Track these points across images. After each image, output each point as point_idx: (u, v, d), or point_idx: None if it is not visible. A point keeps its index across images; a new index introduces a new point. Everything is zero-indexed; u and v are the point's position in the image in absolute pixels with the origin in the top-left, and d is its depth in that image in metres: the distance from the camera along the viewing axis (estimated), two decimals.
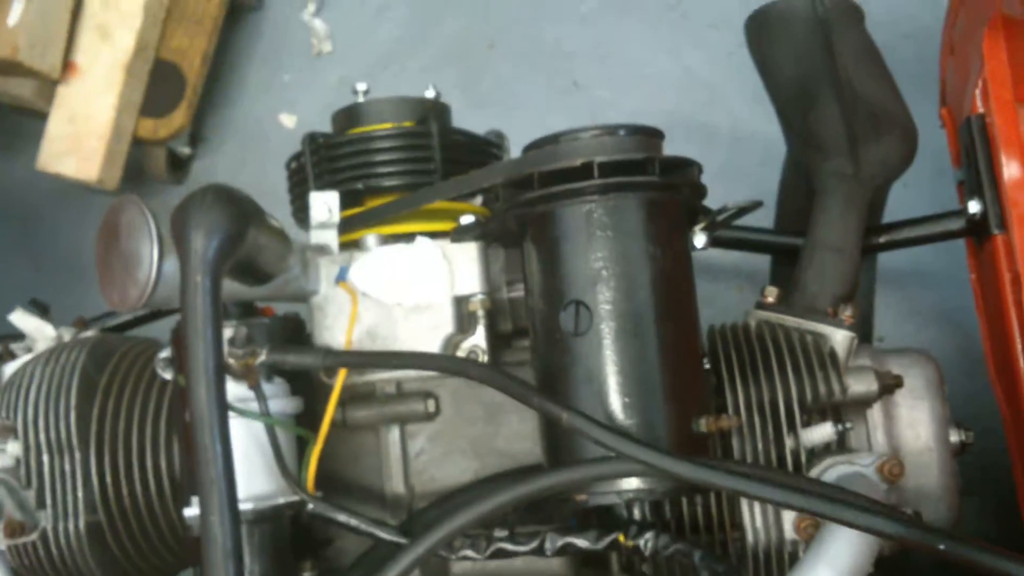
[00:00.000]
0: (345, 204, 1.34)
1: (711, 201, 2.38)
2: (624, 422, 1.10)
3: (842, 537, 1.08)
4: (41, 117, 2.12)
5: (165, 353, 1.27)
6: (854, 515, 0.97)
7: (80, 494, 1.33)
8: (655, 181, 1.13)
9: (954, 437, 1.36)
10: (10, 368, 1.46)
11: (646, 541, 1.09)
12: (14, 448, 1.37)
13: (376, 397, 1.29)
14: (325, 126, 1.45)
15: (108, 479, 1.33)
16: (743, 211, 1.24)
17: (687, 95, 2.30)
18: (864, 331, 1.70)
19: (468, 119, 1.54)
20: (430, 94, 1.43)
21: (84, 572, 1.34)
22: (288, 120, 2.34)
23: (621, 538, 1.09)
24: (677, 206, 1.17)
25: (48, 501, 1.33)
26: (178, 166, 2.31)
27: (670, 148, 2.28)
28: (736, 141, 2.26)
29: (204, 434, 0.97)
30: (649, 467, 1.01)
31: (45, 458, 1.34)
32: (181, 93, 2.15)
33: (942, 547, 0.96)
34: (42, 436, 1.34)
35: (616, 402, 1.11)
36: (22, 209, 2.33)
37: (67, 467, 1.33)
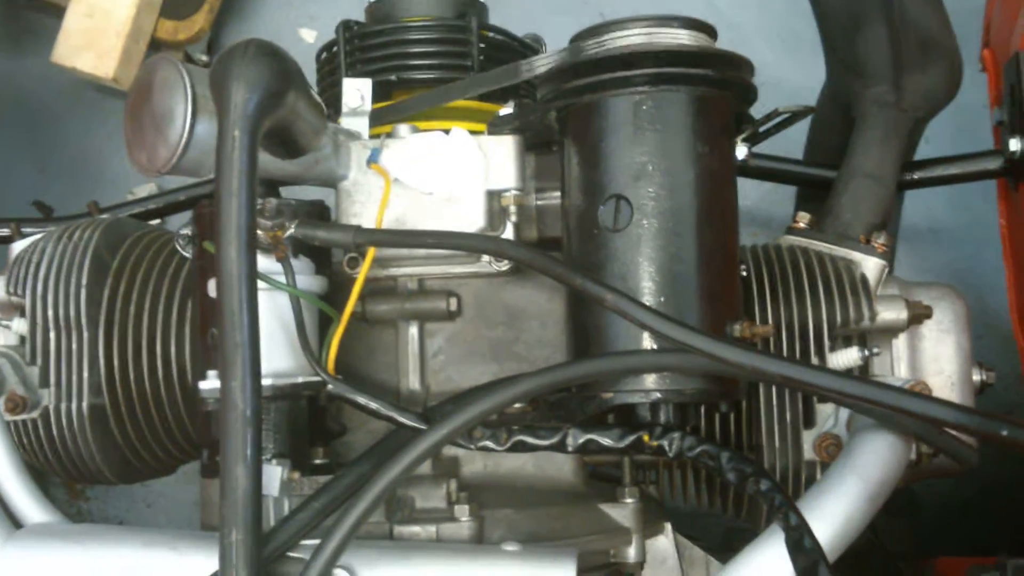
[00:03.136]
0: (376, 98, 1.30)
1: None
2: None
3: (872, 448, 1.06)
4: (57, 13, 2.08)
5: (186, 230, 1.24)
6: (912, 402, 0.94)
7: (85, 375, 1.29)
8: (708, 75, 1.10)
9: (976, 376, 1.34)
10: (19, 246, 1.43)
11: (671, 441, 1.07)
12: (20, 325, 1.34)
13: (397, 292, 1.26)
14: None
15: (115, 362, 1.30)
16: (795, 117, 1.20)
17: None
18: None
19: None
20: None
21: (84, 455, 1.31)
22: (308, 35, 2.30)
23: (646, 438, 1.07)
24: (727, 106, 1.14)
25: (52, 380, 1.30)
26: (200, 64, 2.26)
27: None
28: (760, 87, 2.22)
29: (232, 297, 0.94)
30: (693, 351, 0.98)
31: (52, 336, 1.31)
32: None
33: (1005, 432, 0.93)
34: (50, 313, 1.30)
35: (652, 300, 1.08)
36: (31, 109, 2.28)
37: (74, 346, 1.30)
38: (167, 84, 1.04)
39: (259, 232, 1.09)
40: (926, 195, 1.65)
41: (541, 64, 1.18)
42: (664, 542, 1.33)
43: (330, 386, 1.09)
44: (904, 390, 0.97)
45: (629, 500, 1.25)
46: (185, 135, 1.02)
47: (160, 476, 1.48)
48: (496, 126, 1.21)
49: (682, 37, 1.12)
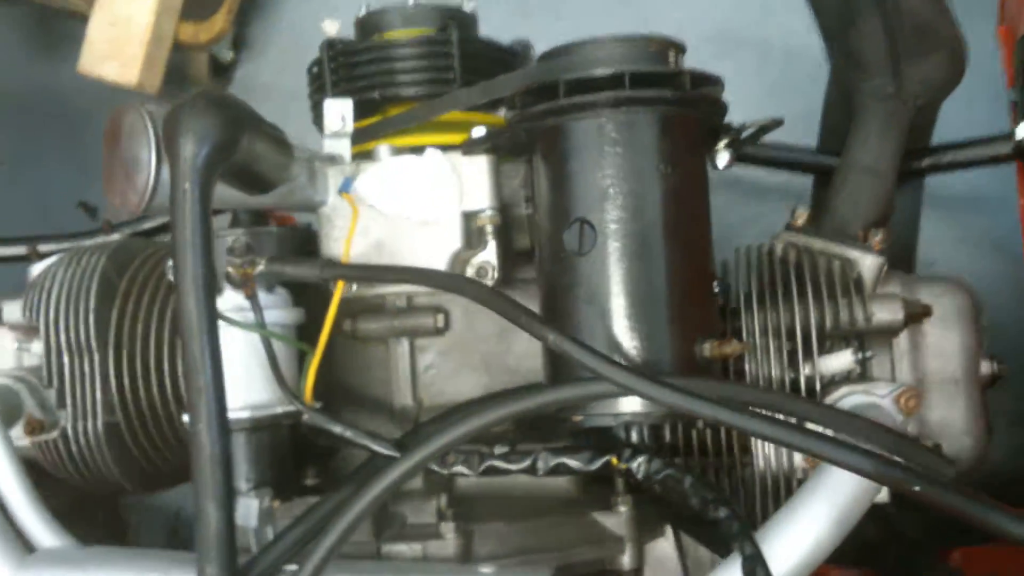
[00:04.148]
0: (364, 113, 1.31)
1: (777, 113, 2.30)
2: (626, 344, 1.07)
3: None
4: (84, 20, 2.12)
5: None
6: (835, 451, 0.93)
7: (98, 395, 1.34)
8: (670, 96, 1.08)
9: (985, 369, 1.31)
10: (37, 268, 1.48)
11: (639, 465, 1.07)
12: (37, 348, 1.40)
13: (386, 309, 1.28)
14: None
15: (126, 381, 1.35)
16: (764, 130, 1.18)
17: (740, 6, 2.21)
18: (906, 258, 1.64)
19: (513, 29, 1.49)
20: (468, 5, 1.39)
21: (103, 470, 1.37)
22: (331, 26, 2.28)
23: (614, 461, 1.07)
24: (694, 123, 1.12)
25: (68, 401, 1.36)
26: (220, 71, 2.30)
27: (720, 63, 2.20)
28: (789, 56, 2.18)
29: (193, 343, 0.97)
30: (626, 389, 0.98)
31: (65, 359, 1.36)
32: None
33: (917, 488, 0.91)
34: (63, 337, 1.35)
35: (618, 323, 1.08)
36: (70, 112, 2.34)
37: (86, 368, 1.35)
38: (133, 132, 1.06)
39: (230, 269, 1.11)
40: None
41: (508, 84, 1.17)
42: (665, 545, 1.33)
43: (305, 416, 1.11)
44: (827, 436, 0.95)
45: (622, 508, 1.25)
46: (151, 182, 1.04)
47: (185, 482, 1.53)
48: (469, 146, 1.21)
49: (644, 58, 1.10)
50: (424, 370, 1.29)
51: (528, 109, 1.13)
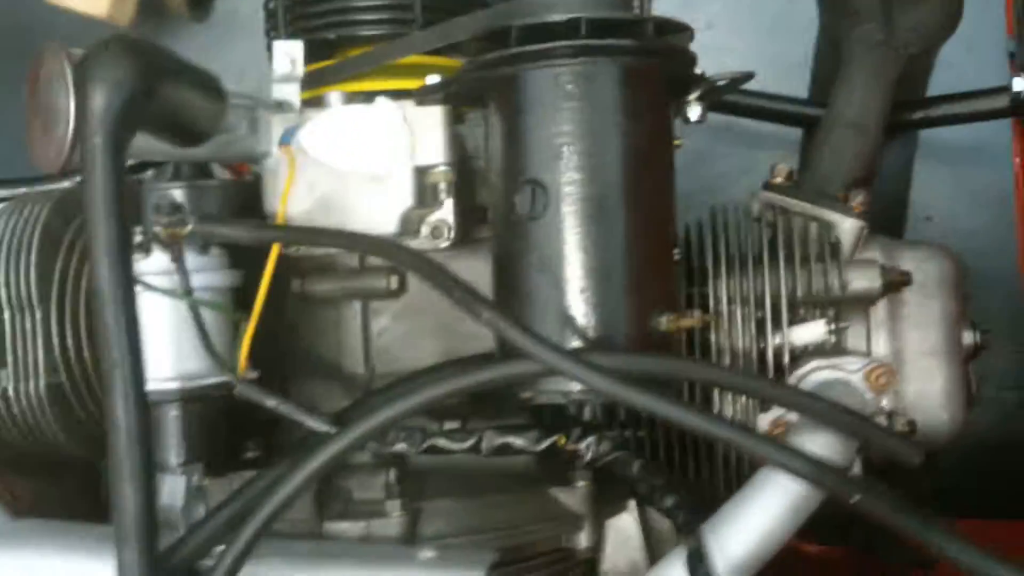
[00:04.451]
0: (321, 55, 1.23)
1: (774, 59, 2.20)
2: (578, 317, 1.01)
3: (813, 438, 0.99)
4: None
5: None
6: (772, 451, 0.87)
7: (40, 354, 1.28)
8: (632, 46, 1.00)
9: (967, 339, 1.24)
10: None
11: (587, 445, 1.01)
12: None
13: (337, 270, 1.21)
14: None
15: (69, 340, 1.28)
16: (736, 82, 1.10)
17: None
18: (898, 215, 1.57)
19: None
20: None
21: (48, 433, 1.31)
22: None
23: (561, 441, 1.02)
24: (659, 76, 1.04)
25: (9, 360, 1.29)
26: (200, 3, 2.21)
27: (715, 2, 2.10)
28: None
29: (106, 312, 0.90)
30: (565, 373, 0.92)
31: (6, 315, 1.30)
32: None
33: (855, 499, 0.86)
34: (2, 292, 1.29)
35: (571, 294, 1.01)
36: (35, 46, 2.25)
37: (27, 325, 1.29)
38: (52, 78, 0.99)
39: (157, 230, 1.05)
40: None
41: (460, 28, 1.09)
42: (627, 520, 1.28)
43: (236, 389, 1.05)
44: (763, 437, 0.89)
45: (581, 483, 1.19)
46: (71, 133, 0.97)
47: None
48: (423, 95, 1.13)
49: (607, 3, 1.01)
50: (377, 335, 1.22)
51: (480, 57, 1.04)
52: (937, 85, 1.50)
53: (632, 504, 1.28)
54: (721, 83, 1.09)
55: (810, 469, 0.88)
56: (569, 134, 1.00)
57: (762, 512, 0.93)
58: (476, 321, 0.95)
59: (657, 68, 1.03)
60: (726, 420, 0.92)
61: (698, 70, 1.09)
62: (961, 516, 1.73)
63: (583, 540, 1.19)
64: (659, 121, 1.05)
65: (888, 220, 1.54)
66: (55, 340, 1.29)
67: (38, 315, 1.29)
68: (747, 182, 1.41)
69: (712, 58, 2.10)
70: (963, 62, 1.77)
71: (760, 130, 2.02)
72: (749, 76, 1.10)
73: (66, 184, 1.46)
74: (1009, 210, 2.02)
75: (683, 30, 1.04)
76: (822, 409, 1.00)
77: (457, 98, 1.13)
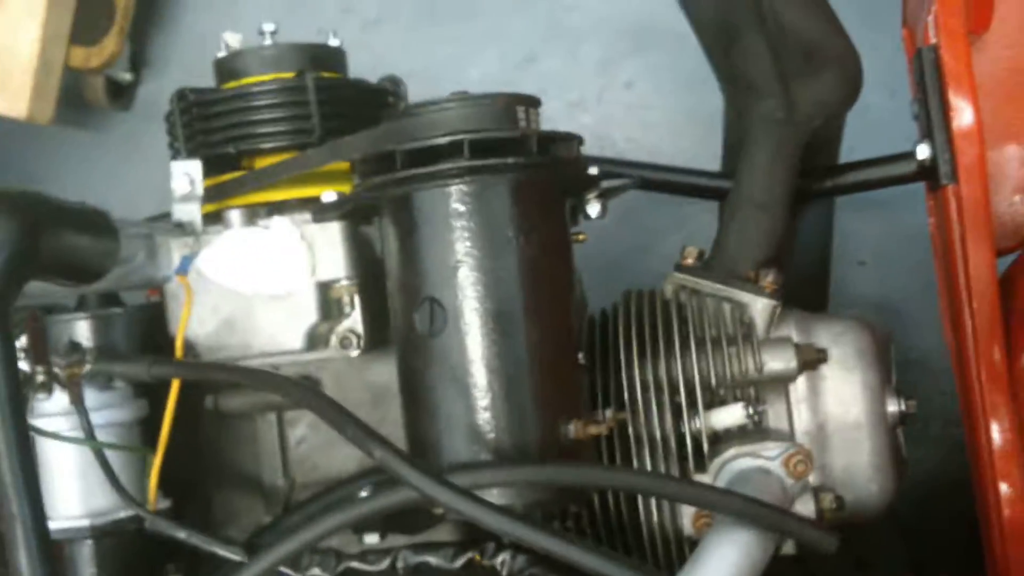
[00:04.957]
0: (224, 167, 1.23)
1: (693, 113, 2.19)
2: (486, 430, 1.00)
3: (722, 551, 0.98)
4: None
5: (21, 343, 1.19)
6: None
7: None
8: (517, 162, 1.00)
9: (892, 407, 1.24)
10: None
11: (502, 562, 1.00)
12: None
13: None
14: None
15: None
16: (623, 189, 1.11)
17: None
18: (819, 280, 1.57)
19: (421, 32, 1.34)
20: (333, 42, 1.30)
21: None
22: (233, 39, 2.19)
23: (477, 558, 1.01)
24: (549, 186, 1.04)
25: None
26: (120, 93, 2.19)
27: (638, 56, 2.10)
28: None
29: (3, 467, 0.89)
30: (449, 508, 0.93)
31: None
32: (111, 18, 2.02)
33: None
34: None
35: (478, 409, 1.00)
36: None
37: None
38: None
39: (57, 371, 1.04)
40: None
41: (352, 148, 1.08)
42: None
43: (147, 523, 1.04)
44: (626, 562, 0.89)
45: None
46: None
47: None
48: (319, 214, 1.13)
49: (493, 119, 1.01)
50: (295, 444, 1.22)
51: (370, 179, 1.04)
52: (860, 132, 1.51)
53: None
54: (615, 184, 1.09)
55: None
56: (463, 251, 1.00)
57: None
58: (369, 457, 0.94)
59: (546, 179, 1.03)
60: (611, 555, 0.91)
61: (592, 170, 1.09)
62: (917, 555, 1.73)
63: None
64: (553, 228, 1.04)
65: (812, 281, 1.54)
66: None
67: None
68: (679, 238, 1.41)
69: (634, 115, 2.12)
70: (886, 107, 1.79)
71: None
72: (635, 184, 1.10)
73: None
74: None
75: (569, 140, 1.04)
76: (735, 505, 1.00)
77: (354, 214, 1.12)
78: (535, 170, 1.01)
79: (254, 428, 1.21)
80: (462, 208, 1.00)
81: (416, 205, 1.02)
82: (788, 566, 1.15)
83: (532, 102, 1.05)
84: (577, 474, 0.98)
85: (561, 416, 1.02)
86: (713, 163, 1.62)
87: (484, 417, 1.00)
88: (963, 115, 1.20)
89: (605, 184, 1.07)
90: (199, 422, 1.21)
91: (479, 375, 1.00)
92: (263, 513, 1.21)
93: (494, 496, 0.99)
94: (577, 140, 1.06)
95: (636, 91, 2.08)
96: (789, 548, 1.14)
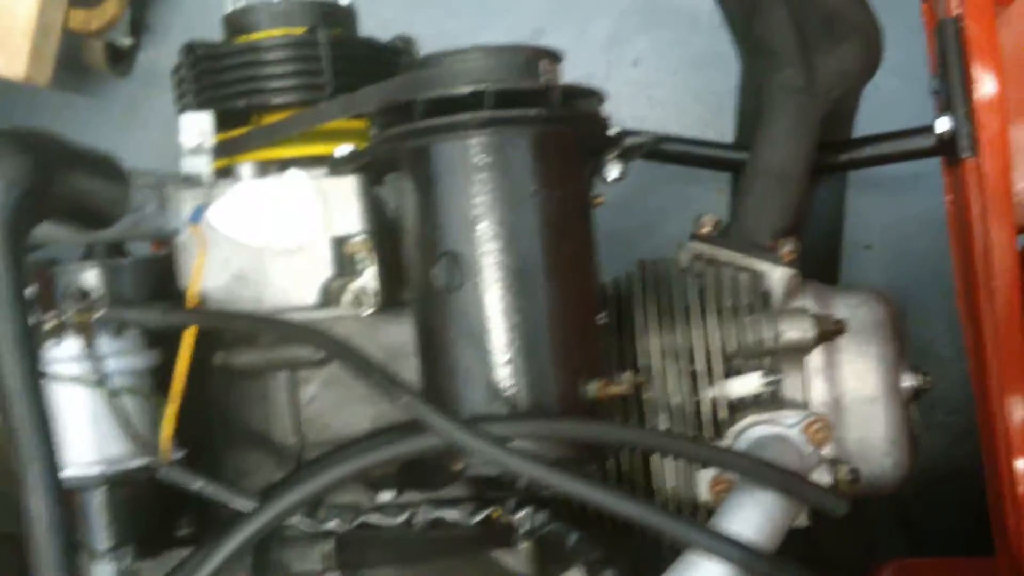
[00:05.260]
0: (233, 122, 1.20)
1: (701, 93, 2.18)
2: (505, 388, 0.98)
3: (743, 513, 0.97)
4: None
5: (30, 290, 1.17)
6: (695, 534, 0.85)
7: None
8: (538, 115, 0.98)
9: (907, 382, 1.23)
10: None
11: (522, 518, 0.99)
12: None
13: (261, 340, 1.17)
14: None
15: None
16: (649, 144, 1.09)
17: None
18: (830, 258, 1.56)
19: (429, 5, 1.32)
20: (343, 1, 1.28)
21: None
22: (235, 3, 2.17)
23: (496, 514, 0.99)
24: (570, 141, 1.02)
25: None
26: (119, 58, 2.16)
27: (646, 33, 2.08)
28: (717, 28, 2.06)
29: (14, 409, 0.87)
30: (484, 455, 0.91)
31: None
32: None
33: None
34: None
35: (497, 365, 0.99)
36: None
37: None
38: None
39: (68, 316, 1.01)
40: None
41: (369, 99, 1.06)
42: None
43: (160, 471, 1.02)
44: (681, 518, 0.88)
45: (523, 545, 1.16)
46: None
47: None
48: (335, 166, 1.10)
49: (515, 71, 0.99)
50: (306, 403, 1.19)
51: (388, 130, 1.02)
52: (871, 117, 1.50)
53: (577, 567, 1.26)
54: (635, 143, 1.07)
55: (739, 555, 0.86)
56: (483, 205, 0.98)
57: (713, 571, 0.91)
58: (393, 405, 0.92)
59: (568, 134, 1.01)
60: (644, 502, 0.89)
61: (612, 130, 1.07)
62: (914, 544, 1.72)
63: None
64: (574, 186, 1.03)
65: (823, 258, 1.53)
66: None
67: None
68: (685, 217, 1.39)
69: (640, 93, 2.11)
70: (899, 92, 1.78)
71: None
72: (660, 140, 1.08)
73: None
74: (945, 235, 2.03)
75: (591, 95, 1.02)
76: (748, 466, 0.99)
77: (370, 167, 1.10)
78: (558, 123, 0.99)
79: (265, 386, 1.18)
80: (483, 160, 0.98)
81: (435, 157, 1.00)
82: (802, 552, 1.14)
83: (554, 56, 1.03)
84: (599, 430, 0.96)
85: (581, 375, 1.00)
86: None
87: (503, 373, 0.98)
88: (985, 86, 1.18)
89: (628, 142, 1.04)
90: (208, 379, 1.19)
91: (498, 331, 0.98)
92: (273, 472, 1.18)
93: None
94: (599, 96, 1.04)
95: (643, 69, 2.06)
96: (802, 520, 1.13)
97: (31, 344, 0.88)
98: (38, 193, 0.89)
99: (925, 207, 2.00)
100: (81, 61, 2.12)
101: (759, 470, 0.97)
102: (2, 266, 0.87)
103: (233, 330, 1.10)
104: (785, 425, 1.11)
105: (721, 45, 2.03)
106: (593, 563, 0.95)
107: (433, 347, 1.03)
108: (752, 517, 0.96)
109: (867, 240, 2.00)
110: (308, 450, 1.18)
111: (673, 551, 0.99)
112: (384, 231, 1.14)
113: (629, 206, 1.99)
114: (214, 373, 1.17)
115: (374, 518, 1.05)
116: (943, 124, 1.25)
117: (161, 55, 2.18)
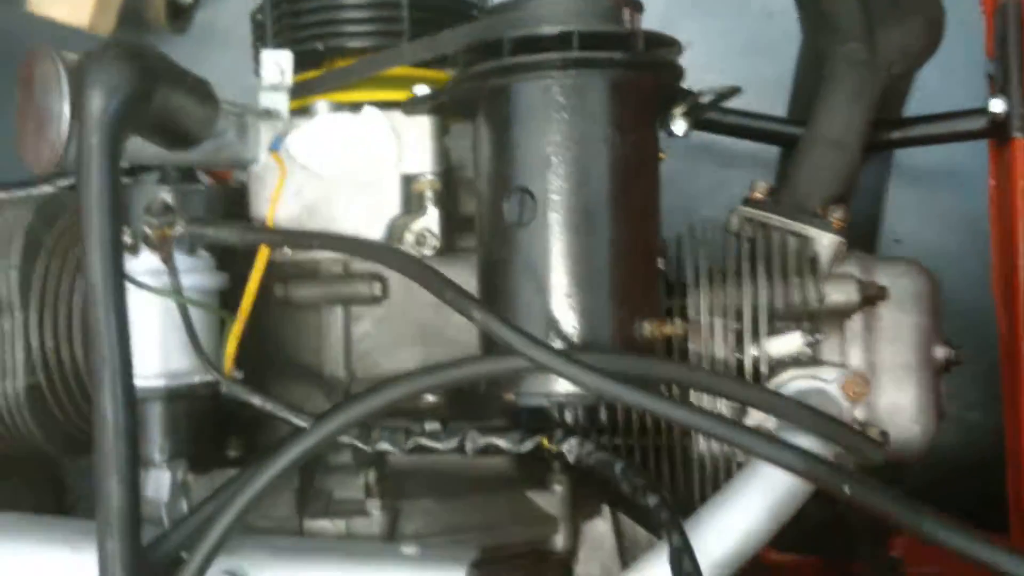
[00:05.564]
0: (308, 65, 1.25)
1: (749, 79, 2.22)
2: (563, 322, 1.02)
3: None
4: None
5: None
6: (762, 446, 0.89)
7: (19, 355, 1.28)
8: (622, 59, 1.02)
9: (940, 354, 1.26)
10: None
11: (570, 447, 1.03)
12: None
13: (320, 275, 1.22)
14: None
15: (48, 341, 1.29)
16: (722, 97, 1.12)
17: None
18: (869, 233, 1.59)
19: None
20: None
21: (24, 433, 1.31)
22: None
23: (545, 442, 1.03)
24: (648, 89, 1.06)
25: None
26: (179, 14, 2.21)
27: (696, 19, 2.12)
28: (767, 16, 2.10)
29: (97, 309, 0.91)
30: (548, 370, 0.95)
31: None
32: None
33: (846, 488, 0.87)
34: None
35: (556, 300, 1.03)
36: (21, 55, 2.24)
37: (7, 326, 1.29)
38: (46, 80, 0.99)
39: (147, 230, 1.06)
40: None
41: (451, 40, 1.10)
42: (602, 525, 1.29)
43: (223, 387, 1.06)
44: (753, 430, 0.91)
45: (558, 487, 1.20)
46: (63, 134, 0.97)
47: None
48: (411, 105, 1.15)
49: (598, 15, 1.03)
50: (359, 339, 1.23)
51: (471, 68, 1.06)
52: (910, 109, 1.53)
53: (606, 510, 1.30)
54: (707, 98, 1.11)
55: (801, 462, 0.90)
56: (558, 144, 1.02)
57: (744, 511, 0.95)
58: (470, 320, 0.96)
59: (646, 81, 1.05)
60: (716, 415, 0.93)
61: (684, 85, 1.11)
62: None
63: (559, 543, 1.20)
64: (646, 133, 1.07)
65: (861, 238, 1.56)
66: (34, 341, 1.29)
67: (18, 317, 1.29)
68: (720, 200, 1.43)
69: (689, 78, 2.14)
70: (936, 87, 1.81)
71: (734, 150, 2.04)
72: (735, 91, 1.12)
73: (47, 189, 1.45)
74: (977, 235, 2.06)
75: (672, 44, 1.06)
76: (788, 408, 1.02)
77: (446, 109, 1.14)
78: (639, 69, 1.03)
79: (320, 320, 1.23)
80: (563, 100, 1.02)
81: (515, 96, 1.04)
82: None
83: (637, 5, 1.07)
84: (672, 369, 0.98)
85: (637, 314, 1.04)
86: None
87: (562, 307, 1.02)
88: None
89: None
90: (265, 311, 1.23)
91: (562, 266, 1.03)
92: (321, 404, 1.22)
93: (560, 384, 1.02)
94: (678, 46, 1.08)
95: (692, 53, 2.09)
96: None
97: (119, 250, 0.92)
98: (138, 102, 0.93)
99: (958, 206, 2.04)
100: (142, 16, 2.16)
101: (802, 415, 1.01)
102: (99, 171, 0.91)
103: (308, 249, 1.14)
104: (824, 380, 1.15)
105: (769, 31, 2.09)
106: (637, 488, 0.98)
107: (496, 280, 1.07)
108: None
109: (896, 234, 2.03)
110: (356, 385, 1.23)
111: None
112: (446, 179, 1.19)
113: (666, 189, 2.03)
114: (272, 305, 1.22)
115: (426, 441, 1.09)
116: (997, 105, 1.29)
117: (219, 14, 2.23)
